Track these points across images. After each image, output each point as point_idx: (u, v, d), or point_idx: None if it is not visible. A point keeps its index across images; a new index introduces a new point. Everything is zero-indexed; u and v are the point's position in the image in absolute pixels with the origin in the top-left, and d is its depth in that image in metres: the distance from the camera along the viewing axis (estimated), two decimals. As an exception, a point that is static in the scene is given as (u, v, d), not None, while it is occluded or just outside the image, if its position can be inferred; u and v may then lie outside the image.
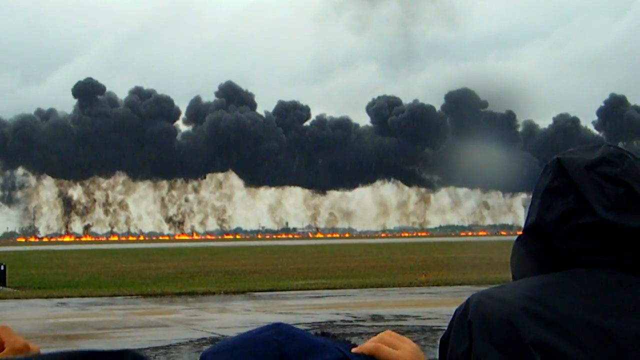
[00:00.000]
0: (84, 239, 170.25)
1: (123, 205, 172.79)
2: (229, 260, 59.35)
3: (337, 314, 22.96)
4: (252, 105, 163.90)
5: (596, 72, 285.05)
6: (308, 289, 31.82)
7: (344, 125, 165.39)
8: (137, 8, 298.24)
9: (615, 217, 1.75)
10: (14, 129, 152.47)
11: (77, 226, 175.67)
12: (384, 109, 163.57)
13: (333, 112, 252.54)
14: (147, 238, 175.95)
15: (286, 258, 61.02)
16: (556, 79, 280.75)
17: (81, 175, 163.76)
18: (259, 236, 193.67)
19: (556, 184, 1.82)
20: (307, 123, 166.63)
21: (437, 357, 1.83)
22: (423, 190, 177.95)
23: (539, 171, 1.90)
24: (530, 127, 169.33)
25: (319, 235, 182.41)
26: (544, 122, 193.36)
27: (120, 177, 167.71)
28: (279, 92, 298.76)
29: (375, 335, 1.48)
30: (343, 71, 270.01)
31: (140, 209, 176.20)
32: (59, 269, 49.84)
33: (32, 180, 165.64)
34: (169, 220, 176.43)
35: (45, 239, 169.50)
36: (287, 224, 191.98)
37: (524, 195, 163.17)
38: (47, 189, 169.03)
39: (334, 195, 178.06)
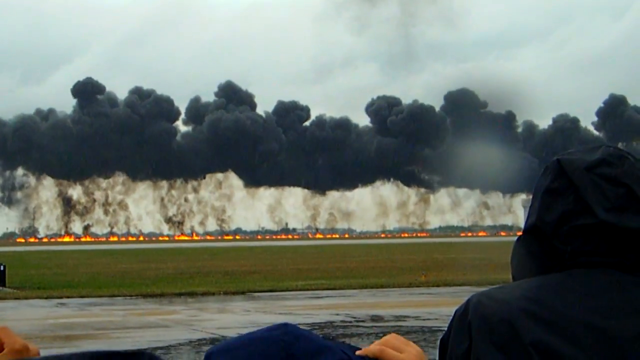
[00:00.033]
0: (83, 239, 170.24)
1: (123, 206, 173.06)
2: (228, 260, 59.37)
3: (337, 314, 22.96)
4: (252, 106, 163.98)
5: (596, 73, 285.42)
6: (308, 290, 31.83)
7: (343, 125, 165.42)
8: (137, 8, 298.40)
9: (615, 218, 1.75)
10: (14, 129, 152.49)
11: (76, 226, 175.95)
12: (384, 110, 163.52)
13: (333, 112, 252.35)
14: (146, 238, 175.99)
15: (286, 258, 61.02)
16: (556, 79, 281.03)
17: (81, 175, 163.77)
18: (259, 237, 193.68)
19: (556, 185, 1.82)
20: (307, 123, 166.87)
21: (437, 357, 1.83)
22: (423, 190, 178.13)
23: (539, 172, 1.90)
24: (530, 127, 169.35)
25: (318, 235, 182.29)
26: (544, 122, 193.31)
27: (120, 177, 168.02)
28: (279, 92, 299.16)
29: (375, 335, 1.53)
30: (343, 71, 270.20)
31: (140, 209, 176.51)
32: (58, 269, 49.84)
33: (31, 180, 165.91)
34: (168, 220, 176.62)
35: (45, 239, 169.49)
36: (286, 224, 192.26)
37: (523, 196, 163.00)
38: (47, 189, 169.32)
39: (334, 195, 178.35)
